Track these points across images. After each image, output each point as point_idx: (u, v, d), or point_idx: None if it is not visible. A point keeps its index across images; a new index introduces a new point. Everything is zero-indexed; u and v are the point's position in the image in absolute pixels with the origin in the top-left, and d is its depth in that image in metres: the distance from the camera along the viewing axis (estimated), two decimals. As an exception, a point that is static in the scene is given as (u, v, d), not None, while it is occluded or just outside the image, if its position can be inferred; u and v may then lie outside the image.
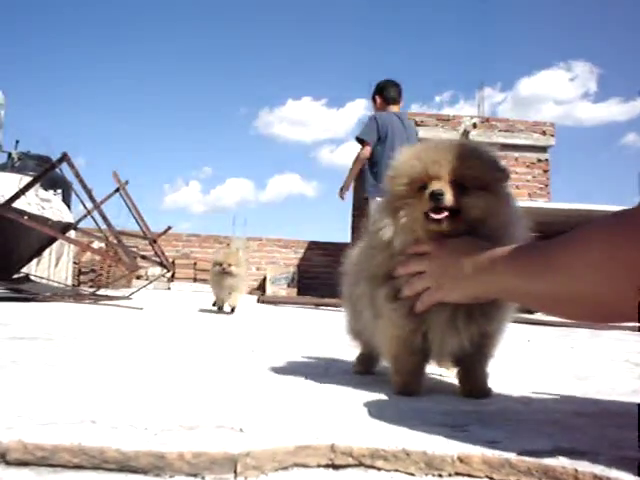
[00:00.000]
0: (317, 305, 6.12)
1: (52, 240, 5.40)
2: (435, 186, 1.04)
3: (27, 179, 4.82)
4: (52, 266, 6.29)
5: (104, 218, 4.53)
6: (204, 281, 9.29)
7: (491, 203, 1.06)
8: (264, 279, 10.84)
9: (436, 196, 1.03)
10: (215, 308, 4.05)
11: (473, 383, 1.14)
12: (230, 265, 3.77)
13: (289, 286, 10.69)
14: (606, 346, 2.58)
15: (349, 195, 5.62)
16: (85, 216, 5.45)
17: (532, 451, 0.72)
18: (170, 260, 8.10)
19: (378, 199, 4.98)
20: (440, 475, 0.70)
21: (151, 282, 7.34)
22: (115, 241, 4.99)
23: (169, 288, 9.93)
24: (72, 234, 5.93)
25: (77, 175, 4.24)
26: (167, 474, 0.66)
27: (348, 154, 5.40)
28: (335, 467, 0.71)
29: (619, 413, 1.05)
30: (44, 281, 5.62)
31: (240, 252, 4.13)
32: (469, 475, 0.70)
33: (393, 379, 1.15)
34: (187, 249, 11.21)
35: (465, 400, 1.10)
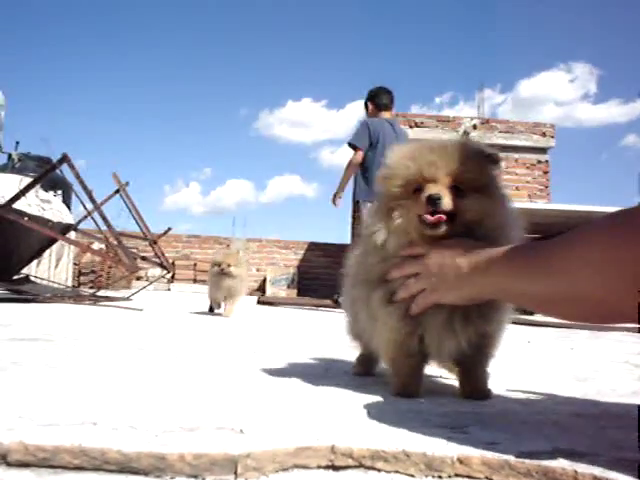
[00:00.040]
0: (317, 306, 6.12)
1: (52, 241, 5.40)
2: (432, 190, 1.03)
3: (27, 180, 4.82)
4: (52, 267, 6.30)
5: (104, 219, 4.54)
6: (204, 282, 9.28)
7: (487, 205, 1.06)
8: (264, 280, 10.84)
9: (434, 200, 1.02)
10: (214, 311, 3.89)
11: (473, 384, 1.14)
12: (229, 265, 3.61)
13: (289, 287, 10.69)
14: (606, 347, 2.59)
15: (347, 197, 5.64)
16: (85, 217, 5.46)
17: (532, 452, 0.73)
18: (170, 261, 8.10)
19: (370, 204, 5.00)
20: (440, 476, 0.70)
21: (151, 283, 7.34)
22: (115, 242, 4.99)
23: (169, 289, 9.93)
24: (72, 235, 5.94)
25: (77, 176, 4.25)
26: (168, 475, 0.66)
27: (348, 155, 5.41)
28: (335, 468, 0.71)
29: (619, 414, 1.05)
30: (44, 282, 5.62)
31: (240, 253, 3.98)
32: (469, 476, 0.70)
33: (392, 381, 1.15)
34: (187, 250, 11.21)
35: (465, 401, 1.10)
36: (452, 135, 9.59)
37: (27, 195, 4.31)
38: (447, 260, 1.04)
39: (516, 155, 10.04)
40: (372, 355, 1.35)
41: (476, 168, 1.06)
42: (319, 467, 0.71)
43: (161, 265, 5.57)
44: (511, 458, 0.71)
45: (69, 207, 6.86)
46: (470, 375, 1.15)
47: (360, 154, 5.20)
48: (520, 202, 7.85)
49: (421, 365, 1.16)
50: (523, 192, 9.98)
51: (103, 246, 7.17)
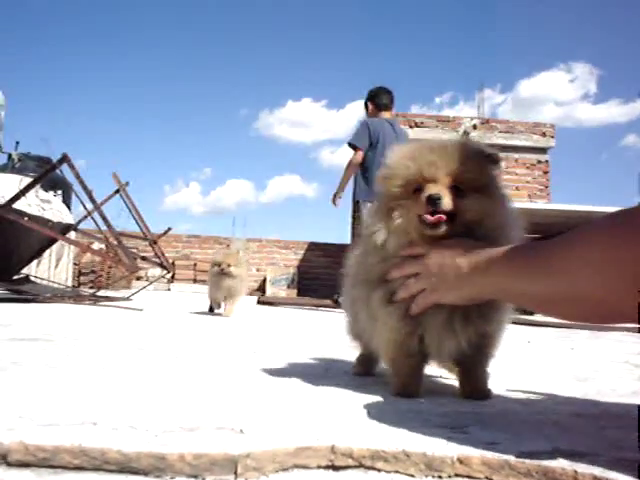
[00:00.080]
0: (317, 306, 6.13)
1: (52, 241, 5.40)
2: (432, 190, 1.03)
3: (27, 180, 4.83)
4: (52, 267, 6.30)
5: (104, 219, 4.54)
6: (204, 282, 9.29)
7: (487, 205, 1.06)
8: (264, 280, 10.85)
9: (434, 200, 1.02)
10: (213, 312, 3.83)
11: (473, 384, 1.14)
12: (229, 265, 3.56)
13: (289, 287, 10.69)
14: (606, 347, 2.59)
15: (347, 197, 5.65)
16: (85, 217, 5.46)
17: (532, 452, 0.73)
18: (170, 261, 8.10)
19: (370, 204, 5.02)
20: (440, 476, 0.70)
21: (151, 283, 7.34)
22: (115, 242, 4.99)
23: (169, 289, 9.93)
24: (72, 235, 5.94)
25: (77, 176, 4.25)
26: (168, 475, 0.66)
27: (348, 155, 5.43)
28: (335, 468, 0.71)
29: (619, 414, 1.05)
30: (44, 282, 5.62)
31: (240, 252, 3.93)
32: (469, 476, 0.70)
33: (392, 381, 1.15)
34: (187, 250, 11.21)
35: (465, 401, 1.10)
36: (452, 135, 9.60)
37: (27, 195, 4.31)
38: (447, 260, 1.04)
39: (516, 155, 10.04)
40: (372, 355, 1.34)
41: (476, 168, 1.06)
42: (319, 467, 0.71)
43: (161, 265, 5.57)
44: (511, 458, 0.71)
45: (69, 207, 6.86)
46: (470, 375, 1.15)
47: (360, 154, 5.21)
48: (520, 202, 7.86)
49: (421, 365, 1.16)
50: (523, 192, 9.98)
51: (103, 246, 7.17)
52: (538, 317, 4.03)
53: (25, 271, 5.45)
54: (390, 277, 1.11)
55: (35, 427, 0.74)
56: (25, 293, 4.07)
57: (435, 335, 1.08)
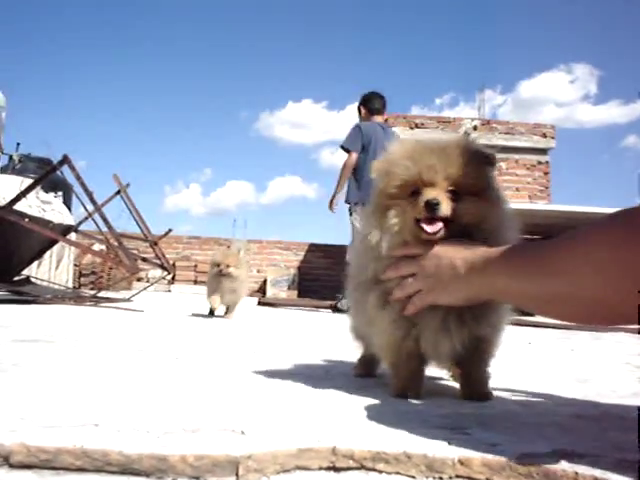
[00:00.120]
0: (317, 307, 6.13)
1: (53, 242, 5.40)
2: (430, 194, 1.03)
3: (28, 181, 4.83)
4: (53, 268, 6.30)
5: (105, 220, 4.54)
6: (205, 283, 9.29)
7: (484, 208, 1.06)
8: (264, 281, 10.85)
9: (432, 206, 1.02)
10: (214, 315, 3.70)
11: (473, 386, 1.14)
12: (229, 266, 3.43)
13: (289, 288, 10.69)
14: (606, 348, 2.59)
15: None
16: (86, 218, 5.46)
17: (532, 454, 0.73)
18: (171, 262, 8.10)
19: (361, 207, 5.12)
20: (441, 478, 0.70)
21: (152, 284, 7.34)
22: (116, 243, 5.00)
23: (170, 290, 9.93)
24: (73, 236, 5.94)
25: (78, 177, 4.25)
26: (169, 477, 0.66)
27: (343, 159, 5.49)
28: (336, 470, 0.71)
29: (620, 416, 1.05)
30: (45, 283, 5.63)
31: (241, 253, 3.75)
32: (469, 478, 0.70)
33: (392, 382, 1.15)
34: (187, 251, 11.22)
35: (466, 403, 1.11)
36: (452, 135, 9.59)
37: (28, 196, 4.32)
38: (443, 261, 1.04)
39: (516, 156, 10.04)
40: (373, 356, 1.34)
41: (474, 172, 1.06)
42: (320, 468, 0.71)
43: (162, 266, 5.58)
44: (512, 459, 0.71)
45: (70, 208, 6.86)
46: (470, 377, 1.15)
47: (354, 156, 5.33)
48: (521, 203, 7.86)
49: (421, 367, 1.16)
50: (524, 193, 9.99)
51: (104, 247, 7.18)
52: (539, 318, 4.03)
53: (26, 272, 5.45)
54: (386, 277, 1.10)
55: (37, 429, 0.74)
56: (26, 294, 4.07)
57: (430, 337, 1.08)
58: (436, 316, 1.07)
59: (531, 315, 4.08)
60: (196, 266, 10.65)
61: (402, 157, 1.09)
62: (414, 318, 1.08)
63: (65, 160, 4.16)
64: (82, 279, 8.26)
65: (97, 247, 7.32)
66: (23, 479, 0.64)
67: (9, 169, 6.93)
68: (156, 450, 0.68)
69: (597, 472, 0.67)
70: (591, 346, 2.68)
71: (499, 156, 10.24)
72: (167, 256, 6.57)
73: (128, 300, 4.89)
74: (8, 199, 4.12)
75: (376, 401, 1.07)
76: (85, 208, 5.30)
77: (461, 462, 0.71)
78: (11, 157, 7.24)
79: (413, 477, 0.70)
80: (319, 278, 10.97)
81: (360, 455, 0.72)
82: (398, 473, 0.71)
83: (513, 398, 1.18)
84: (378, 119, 5.62)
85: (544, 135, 10.12)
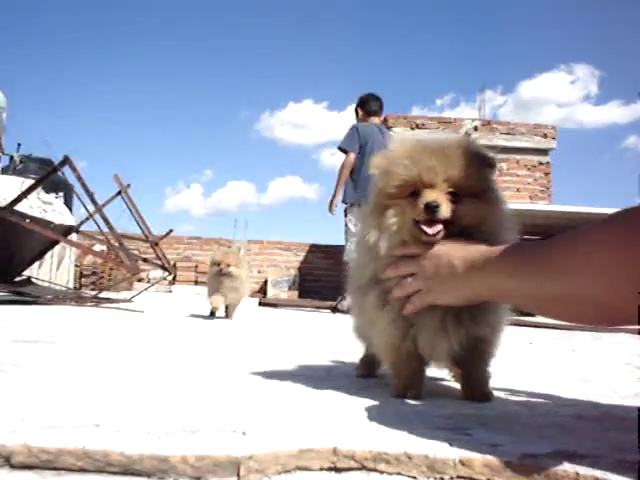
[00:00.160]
0: (318, 308, 6.13)
1: (54, 243, 5.41)
2: (430, 196, 1.02)
3: (29, 182, 4.84)
4: (54, 269, 6.30)
5: (106, 221, 4.55)
6: (205, 284, 9.30)
7: (483, 210, 1.06)
8: (265, 282, 10.85)
9: (432, 208, 1.01)
10: (214, 316, 3.62)
11: (474, 386, 1.14)
12: (229, 265, 3.34)
13: (290, 289, 10.69)
14: (607, 349, 2.59)
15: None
16: (87, 219, 5.46)
17: (533, 454, 0.73)
18: (171, 263, 8.10)
19: (357, 208, 5.19)
20: (442, 478, 0.70)
21: (152, 285, 7.35)
22: (117, 244, 5.00)
23: (170, 291, 9.94)
24: (74, 237, 5.94)
25: (79, 178, 4.25)
26: (171, 477, 0.66)
27: (341, 160, 5.54)
28: (337, 470, 0.71)
29: (621, 416, 1.05)
30: (46, 284, 5.63)
31: (241, 252, 3.68)
32: (471, 478, 0.70)
33: (393, 382, 1.15)
34: (188, 252, 11.22)
35: (466, 403, 1.10)
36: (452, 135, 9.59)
37: (29, 197, 4.32)
38: (442, 260, 1.03)
39: (517, 157, 10.04)
40: (375, 357, 1.34)
41: (474, 174, 1.06)
42: (321, 469, 0.71)
43: (162, 267, 5.58)
44: (513, 460, 0.71)
45: (70, 209, 6.87)
46: (471, 377, 1.15)
47: (352, 157, 5.42)
48: (521, 204, 7.86)
49: (421, 367, 1.15)
50: (524, 194, 9.98)
51: (104, 248, 7.18)
52: (539, 319, 4.03)
53: (27, 273, 5.46)
54: (385, 276, 1.10)
55: (38, 429, 0.74)
56: (27, 295, 4.07)
57: (428, 337, 1.08)
58: (434, 316, 1.07)
59: (532, 315, 4.08)
60: (197, 267, 10.65)
61: (402, 156, 1.09)
62: (412, 318, 1.08)
63: (66, 161, 4.17)
64: (83, 280, 8.27)
65: (98, 248, 7.32)
66: None
67: (10, 170, 6.94)
68: (157, 450, 0.68)
69: (598, 473, 0.67)
70: (592, 347, 2.68)
71: (500, 156, 10.25)
72: (168, 257, 6.58)
73: (129, 301, 4.89)
74: (9, 200, 4.13)
75: (377, 401, 1.07)
76: (86, 209, 5.31)
77: (462, 463, 0.71)
78: (12, 158, 7.25)
79: (414, 478, 0.70)
80: (320, 279, 10.97)
81: (361, 455, 0.72)
82: (399, 474, 0.71)
83: (514, 399, 1.18)
84: (375, 120, 5.71)
85: (545, 136, 10.12)
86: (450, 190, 1.04)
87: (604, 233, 0.85)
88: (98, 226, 5.38)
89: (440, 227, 1.03)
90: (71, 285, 6.80)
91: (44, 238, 4.78)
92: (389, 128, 8.94)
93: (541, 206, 8.10)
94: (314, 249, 11.47)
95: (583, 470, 0.68)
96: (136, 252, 7.68)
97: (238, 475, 0.67)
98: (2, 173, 6.58)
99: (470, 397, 1.13)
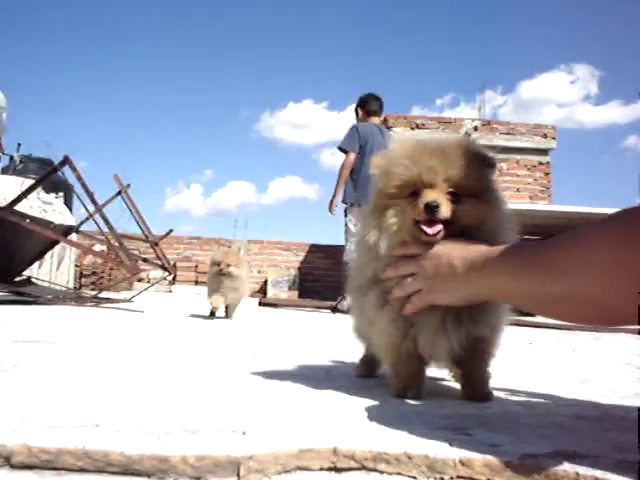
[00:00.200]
0: (318, 308, 6.13)
1: (54, 243, 5.41)
2: (430, 197, 1.02)
3: (29, 182, 4.84)
4: (54, 269, 6.30)
5: (106, 221, 4.55)
6: (205, 284, 9.29)
7: (483, 210, 1.06)
8: (265, 282, 10.85)
9: (432, 209, 1.01)
10: (214, 316, 3.59)
11: (474, 386, 1.14)
12: (229, 265, 3.31)
13: (290, 289, 10.69)
14: (607, 349, 2.59)
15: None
16: (87, 219, 5.46)
17: (534, 454, 0.73)
18: (171, 263, 8.11)
19: (357, 208, 5.21)
20: (442, 478, 0.70)
21: (152, 285, 7.35)
22: (117, 244, 5.00)
23: (170, 291, 9.94)
24: (74, 237, 5.95)
25: (79, 178, 4.25)
26: (171, 477, 0.66)
27: (341, 160, 5.57)
28: (337, 470, 0.71)
29: (621, 416, 1.05)
30: (46, 284, 5.63)
31: (241, 251, 3.68)
32: (471, 478, 0.70)
33: (393, 382, 1.15)
34: (188, 252, 11.22)
35: (466, 403, 1.10)
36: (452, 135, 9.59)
37: (29, 197, 4.32)
38: (442, 260, 1.03)
39: (517, 157, 10.04)
40: (375, 357, 1.34)
41: (474, 174, 1.06)
42: (321, 469, 0.71)
43: (162, 267, 5.58)
44: (513, 460, 0.71)
45: (70, 209, 6.88)
46: (471, 377, 1.15)
47: (352, 156, 5.45)
48: (521, 204, 7.86)
49: (421, 367, 1.15)
50: (524, 194, 9.98)
51: (104, 248, 7.18)
52: (539, 319, 4.03)
53: (27, 273, 5.46)
54: (386, 276, 1.10)
55: (38, 429, 0.74)
56: (27, 295, 4.07)
57: (428, 337, 1.08)
58: (434, 317, 1.07)
59: (532, 315, 4.08)
60: (197, 267, 10.65)
61: (402, 156, 1.09)
62: (412, 318, 1.08)
63: (66, 161, 4.17)
64: (83, 280, 8.27)
65: (98, 248, 7.33)
66: (24, 480, 0.64)
67: (10, 170, 6.94)
68: (157, 451, 0.68)
69: (598, 473, 0.67)
70: (592, 347, 2.68)
71: (500, 156, 10.25)
72: (168, 257, 6.58)
73: (129, 301, 4.89)
74: (9, 200, 4.13)
75: (377, 401, 1.07)
76: (86, 209, 5.31)
77: (462, 463, 0.71)
78: (12, 158, 7.26)
79: (414, 478, 0.70)
80: (320, 279, 10.97)
81: (361, 455, 0.72)
82: (399, 474, 0.71)
83: (514, 399, 1.18)
84: (375, 120, 5.73)
85: (545, 136, 10.12)
86: (450, 190, 1.05)
87: (604, 233, 0.84)
88: (98, 226, 5.38)
89: (440, 227, 1.03)
90: (71, 285, 6.80)
91: (44, 238, 4.78)
92: (389, 128, 8.94)
93: (541, 206, 8.10)
94: (314, 249, 11.47)
95: (583, 470, 0.68)
96: (136, 252, 7.69)
97: (238, 475, 0.67)
98: (2, 173, 6.58)
99: (470, 397, 1.13)
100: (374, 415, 0.93)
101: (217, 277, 3.38)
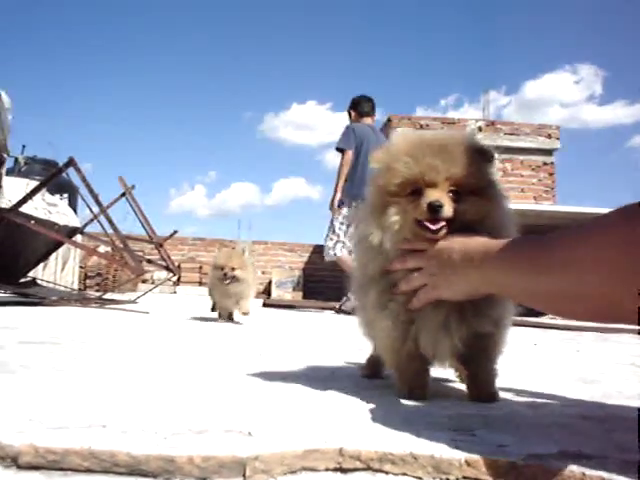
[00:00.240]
0: (322, 308, 6.13)
1: (58, 244, 5.42)
2: (433, 196, 1.02)
3: (34, 184, 4.85)
4: (58, 270, 6.32)
5: (110, 222, 4.55)
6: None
7: (485, 207, 1.06)
8: (269, 283, 10.86)
9: (435, 208, 1.01)
10: (215, 314, 3.50)
11: (480, 387, 1.14)
12: (233, 269, 3.11)
13: (294, 290, 10.70)
14: (612, 349, 2.58)
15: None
16: (91, 220, 5.47)
17: (539, 455, 0.73)
18: (176, 264, 8.12)
19: (347, 207, 5.23)
20: (448, 479, 0.70)
21: (157, 286, 7.36)
22: (121, 245, 5.00)
23: (175, 292, 9.96)
24: (78, 238, 5.96)
25: (83, 179, 4.26)
26: (177, 478, 0.66)
27: (338, 161, 5.62)
28: (343, 471, 0.72)
29: (625, 417, 1.04)
30: (51, 285, 5.65)
31: (246, 253, 3.46)
32: (476, 479, 0.70)
33: (397, 383, 1.15)
34: (193, 253, 11.24)
35: (472, 404, 1.10)
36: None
37: (34, 198, 4.33)
38: (445, 255, 1.03)
39: (521, 157, 10.03)
40: (380, 357, 1.34)
41: (476, 172, 1.06)
42: (327, 470, 0.72)
43: (167, 268, 5.59)
44: (519, 461, 0.71)
45: (75, 210, 6.90)
46: (477, 378, 1.15)
47: (350, 154, 5.51)
48: (526, 204, 7.85)
49: (425, 368, 1.15)
50: (529, 194, 9.97)
51: (109, 249, 7.19)
52: (544, 319, 4.02)
53: (32, 274, 5.48)
54: (392, 268, 1.10)
55: (45, 430, 0.74)
56: (32, 296, 4.09)
57: (429, 336, 1.07)
58: (436, 315, 1.06)
59: (536, 316, 4.08)
60: (201, 267, 10.67)
61: (404, 153, 1.08)
62: (414, 317, 1.08)
63: (71, 162, 4.18)
64: (88, 281, 8.29)
65: (102, 249, 7.34)
66: (32, 480, 0.64)
67: (15, 171, 6.97)
68: (163, 451, 0.68)
69: (604, 473, 0.67)
70: (596, 347, 2.68)
71: (504, 157, 10.23)
72: (172, 258, 6.58)
73: (133, 302, 4.90)
74: (14, 201, 4.14)
75: (382, 402, 1.07)
76: (91, 210, 5.31)
77: (468, 463, 0.71)
78: (17, 159, 7.28)
79: (420, 478, 0.71)
80: (324, 279, 10.97)
81: (367, 456, 0.72)
82: (405, 474, 0.71)
83: (519, 399, 1.18)
84: (368, 121, 5.82)
85: (549, 136, 10.10)
86: (452, 188, 1.05)
87: (604, 233, 0.84)
88: (103, 227, 5.39)
89: (443, 223, 1.04)
90: (76, 286, 6.82)
91: (49, 239, 4.80)
92: (393, 128, 8.94)
93: (545, 206, 8.08)
94: (318, 250, 11.45)
95: (589, 471, 0.68)
96: (141, 253, 7.70)
97: (244, 475, 0.67)
98: (7, 175, 6.60)
99: (476, 398, 1.12)
100: (379, 416, 0.93)
101: (221, 282, 3.16)
